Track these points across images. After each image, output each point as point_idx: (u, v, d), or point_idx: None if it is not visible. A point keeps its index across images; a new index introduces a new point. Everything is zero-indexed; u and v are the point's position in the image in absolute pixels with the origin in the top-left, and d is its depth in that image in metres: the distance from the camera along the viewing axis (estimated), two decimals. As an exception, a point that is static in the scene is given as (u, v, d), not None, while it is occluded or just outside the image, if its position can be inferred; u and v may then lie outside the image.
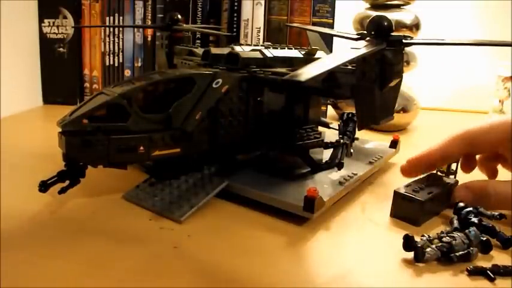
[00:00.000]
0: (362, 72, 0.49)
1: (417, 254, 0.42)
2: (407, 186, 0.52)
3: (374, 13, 0.63)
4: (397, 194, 0.51)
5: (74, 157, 0.46)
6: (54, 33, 1.05)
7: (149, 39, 1.04)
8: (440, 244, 0.43)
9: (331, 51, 0.87)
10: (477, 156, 0.57)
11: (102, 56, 1.05)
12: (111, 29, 1.04)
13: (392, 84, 0.50)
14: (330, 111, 1.05)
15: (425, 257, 0.42)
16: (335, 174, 0.58)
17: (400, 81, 0.51)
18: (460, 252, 0.42)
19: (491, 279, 0.40)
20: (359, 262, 0.43)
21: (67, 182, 0.48)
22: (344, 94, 0.53)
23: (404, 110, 0.96)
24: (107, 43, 1.05)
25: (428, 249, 0.42)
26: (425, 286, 0.40)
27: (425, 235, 0.44)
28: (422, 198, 0.49)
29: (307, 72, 0.40)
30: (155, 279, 0.39)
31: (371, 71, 0.48)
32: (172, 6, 1.00)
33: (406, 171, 0.56)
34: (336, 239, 0.47)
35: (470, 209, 0.48)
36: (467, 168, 0.57)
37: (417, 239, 0.43)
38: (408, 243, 0.43)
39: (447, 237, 0.43)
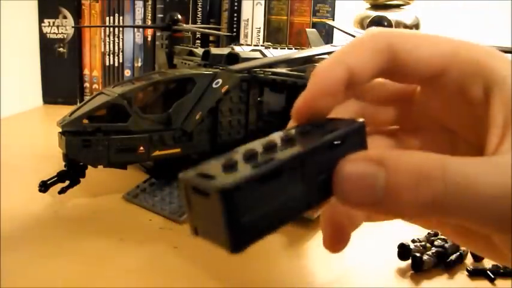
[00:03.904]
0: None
1: (415, 264, 0.41)
2: None
3: (374, 13, 0.63)
4: None
5: (74, 157, 0.46)
6: (54, 33, 1.05)
7: (149, 39, 1.04)
8: (435, 250, 0.42)
9: (331, 51, 0.87)
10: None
11: (102, 56, 1.05)
12: (111, 29, 1.04)
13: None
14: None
15: (424, 267, 0.41)
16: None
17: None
18: (454, 256, 0.42)
19: (491, 280, 0.40)
20: (359, 262, 0.43)
21: (67, 182, 0.48)
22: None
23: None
24: (107, 43, 1.05)
25: (425, 258, 0.41)
26: (426, 286, 0.40)
27: (417, 239, 0.43)
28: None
29: (243, 64, 0.47)
30: (155, 279, 0.39)
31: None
32: (172, 6, 1.00)
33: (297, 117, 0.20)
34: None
35: None
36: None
37: (408, 240, 0.43)
38: (404, 252, 0.42)
39: (438, 240, 0.43)
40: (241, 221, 0.14)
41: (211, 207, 0.14)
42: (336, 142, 0.16)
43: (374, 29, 0.19)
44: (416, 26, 0.96)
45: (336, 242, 0.20)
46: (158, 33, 0.97)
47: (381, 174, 0.15)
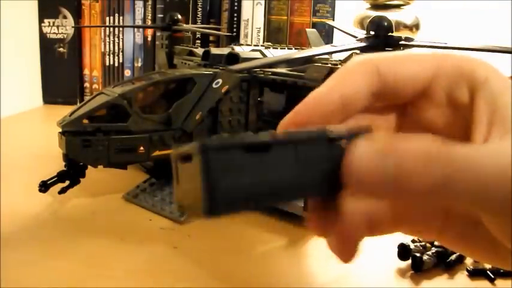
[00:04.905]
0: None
1: (415, 264, 0.41)
2: None
3: (374, 13, 0.64)
4: None
5: (74, 157, 0.46)
6: (54, 33, 1.05)
7: (149, 39, 1.04)
8: (435, 250, 0.42)
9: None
10: None
11: (102, 56, 1.05)
12: (111, 29, 1.04)
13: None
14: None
15: (424, 267, 0.41)
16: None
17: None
18: (454, 256, 0.42)
19: (491, 280, 0.40)
20: (359, 262, 0.43)
21: (67, 182, 0.48)
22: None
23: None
24: (107, 43, 1.05)
25: (425, 258, 0.41)
26: (426, 286, 0.40)
27: (417, 239, 0.43)
28: None
29: (243, 64, 0.48)
30: (155, 279, 0.39)
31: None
32: (172, 6, 1.00)
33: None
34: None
35: None
36: None
37: (408, 240, 0.43)
38: (404, 252, 0.42)
39: None
40: (221, 184, 0.14)
41: (194, 172, 0.14)
42: (333, 136, 0.17)
43: (360, 57, 0.20)
44: (416, 26, 0.96)
45: (352, 252, 0.20)
46: (158, 33, 0.97)
47: (390, 159, 0.16)
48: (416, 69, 0.19)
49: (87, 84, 1.07)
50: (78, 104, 0.49)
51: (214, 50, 0.62)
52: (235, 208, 0.14)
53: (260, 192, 0.15)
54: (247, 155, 0.14)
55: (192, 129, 0.51)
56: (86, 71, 1.07)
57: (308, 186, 0.16)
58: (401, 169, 0.16)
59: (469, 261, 0.42)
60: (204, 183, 0.14)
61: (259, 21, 0.99)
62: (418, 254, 0.41)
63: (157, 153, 0.49)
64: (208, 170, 0.14)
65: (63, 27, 1.04)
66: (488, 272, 0.40)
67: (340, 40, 0.92)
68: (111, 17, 1.03)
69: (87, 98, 0.50)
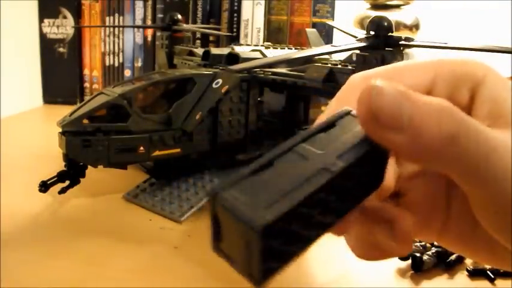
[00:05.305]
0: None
1: (415, 264, 0.41)
2: None
3: (374, 13, 0.63)
4: None
5: (74, 157, 0.46)
6: (54, 33, 1.05)
7: (149, 39, 1.04)
8: (435, 250, 0.42)
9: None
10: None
11: (102, 56, 1.05)
12: (111, 29, 1.04)
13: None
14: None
15: (424, 267, 0.41)
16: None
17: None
18: (454, 256, 0.42)
19: (491, 280, 0.40)
20: (359, 262, 0.43)
21: (67, 182, 0.48)
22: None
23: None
24: (107, 43, 1.05)
25: (425, 258, 0.41)
26: (426, 286, 0.40)
27: (417, 239, 0.43)
28: None
29: (243, 64, 0.48)
30: (155, 279, 0.39)
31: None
32: (172, 6, 1.00)
33: None
34: (335, 238, 0.47)
35: None
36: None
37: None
38: None
39: None
40: (250, 204, 0.14)
41: (230, 228, 0.14)
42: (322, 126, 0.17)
43: (357, 74, 0.20)
44: (416, 26, 0.96)
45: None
46: (158, 33, 0.97)
47: (406, 104, 0.16)
48: (415, 79, 0.19)
49: (87, 84, 1.07)
50: (78, 104, 0.49)
51: (214, 50, 0.62)
52: (280, 209, 0.14)
53: (290, 190, 0.15)
54: (257, 177, 0.15)
55: (192, 129, 0.51)
56: (86, 71, 1.07)
57: (331, 165, 0.16)
58: (416, 115, 0.16)
59: (469, 261, 0.42)
60: (236, 215, 0.14)
61: (259, 21, 0.99)
62: (418, 254, 0.41)
63: (157, 153, 0.49)
64: (230, 202, 0.14)
65: (63, 27, 1.04)
66: (488, 272, 0.40)
67: (340, 40, 0.92)
68: (111, 17, 1.03)
69: (87, 98, 0.50)
